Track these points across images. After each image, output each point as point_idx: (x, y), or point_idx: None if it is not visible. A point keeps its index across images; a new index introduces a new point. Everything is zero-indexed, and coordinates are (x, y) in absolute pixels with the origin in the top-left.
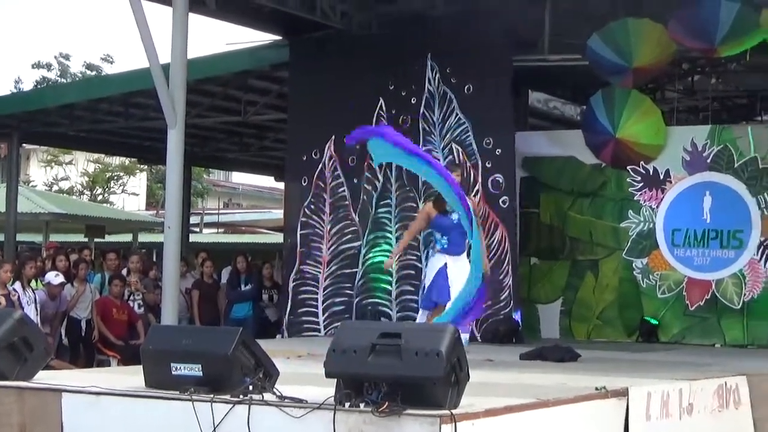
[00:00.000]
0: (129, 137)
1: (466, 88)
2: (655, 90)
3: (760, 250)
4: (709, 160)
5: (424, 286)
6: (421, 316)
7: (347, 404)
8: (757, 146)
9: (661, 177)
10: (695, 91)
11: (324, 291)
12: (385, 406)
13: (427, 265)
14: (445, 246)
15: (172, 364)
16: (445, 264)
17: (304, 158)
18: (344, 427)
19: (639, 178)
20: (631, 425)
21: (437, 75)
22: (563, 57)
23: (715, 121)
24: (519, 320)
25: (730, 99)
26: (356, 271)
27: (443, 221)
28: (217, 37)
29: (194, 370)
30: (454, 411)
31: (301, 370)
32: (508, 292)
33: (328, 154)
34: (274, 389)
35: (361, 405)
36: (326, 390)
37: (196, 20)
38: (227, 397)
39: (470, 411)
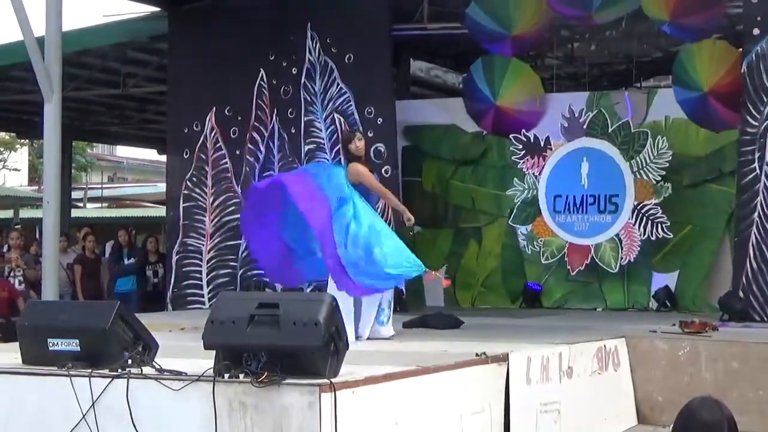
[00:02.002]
0: (7, 111)
1: (346, 57)
2: (535, 57)
3: (635, 214)
4: (585, 126)
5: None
6: None
7: (226, 375)
8: (635, 112)
9: (542, 144)
10: (575, 58)
11: (208, 263)
12: (264, 376)
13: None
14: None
15: (49, 340)
16: None
17: (185, 131)
18: (224, 398)
19: (521, 146)
20: (512, 390)
21: (318, 45)
22: (443, 26)
23: (595, 88)
24: (403, 288)
25: (609, 66)
26: (240, 243)
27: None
28: (95, 10)
29: (72, 345)
30: (333, 380)
31: (183, 343)
32: None
33: (210, 126)
34: (154, 362)
35: (241, 376)
36: (206, 362)
37: None
38: (105, 371)
39: (350, 379)
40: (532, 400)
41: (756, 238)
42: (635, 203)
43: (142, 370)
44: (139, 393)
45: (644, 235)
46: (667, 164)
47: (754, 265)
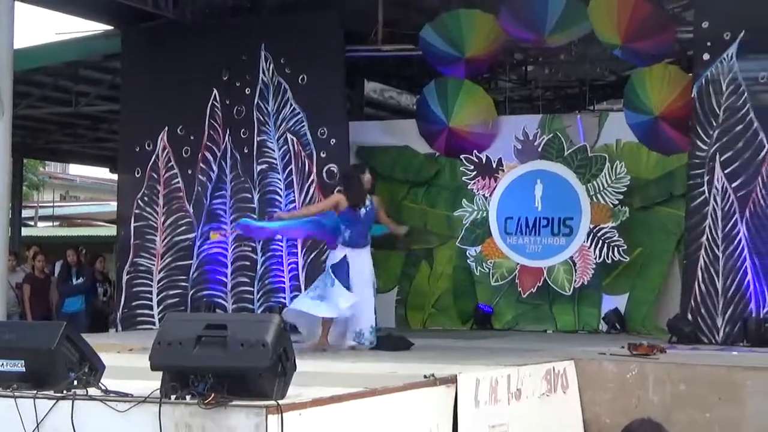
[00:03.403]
0: None
1: (300, 78)
2: (489, 80)
3: (590, 238)
4: (540, 149)
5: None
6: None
7: (173, 397)
8: (587, 135)
9: (494, 166)
10: (528, 80)
11: (158, 283)
12: (211, 397)
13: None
14: (347, 239)
15: None
16: (345, 255)
17: (137, 149)
18: (170, 419)
19: (472, 167)
20: (460, 411)
21: (271, 65)
22: (397, 47)
23: (549, 111)
24: None
25: (562, 88)
26: (191, 263)
27: (350, 215)
28: (48, 27)
29: (17, 365)
30: (280, 401)
31: (131, 363)
32: None
33: (162, 145)
34: (100, 384)
35: (188, 397)
36: (154, 383)
37: (24, 9)
38: (51, 392)
39: (297, 401)
40: (481, 422)
41: (704, 261)
42: (591, 226)
43: (87, 392)
44: (84, 414)
45: (599, 258)
46: (625, 188)
47: (703, 288)
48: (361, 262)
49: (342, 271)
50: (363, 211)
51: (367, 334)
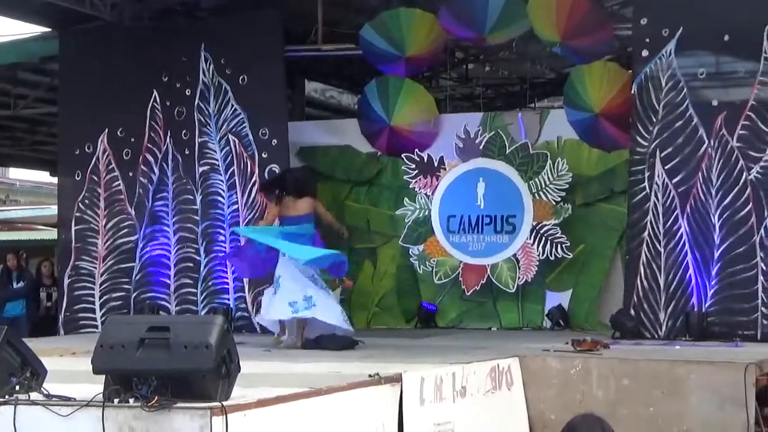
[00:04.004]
0: None
1: (240, 79)
2: (430, 78)
3: (533, 235)
4: (481, 147)
5: None
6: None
7: (116, 400)
8: (528, 132)
9: (436, 164)
10: (470, 79)
11: (101, 286)
12: (154, 400)
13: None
14: None
15: None
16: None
17: (77, 152)
18: (114, 423)
19: (414, 166)
20: (405, 410)
21: (211, 66)
22: (337, 47)
23: (490, 109)
24: None
25: (503, 86)
26: (133, 266)
27: None
28: None
29: None
30: (224, 403)
31: (73, 367)
32: None
33: (102, 147)
34: (42, 388)
35: (131, 400)
36: (97, 387)
37: None
38: None
39: (241, 402)
40: (426, 421)
41: (646, 256)
42: (534, 223)
43: (29, 396)
44: (26, 419)
45: (543, 255)
46: (567, 185)
47: (645, 283)
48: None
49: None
50: None
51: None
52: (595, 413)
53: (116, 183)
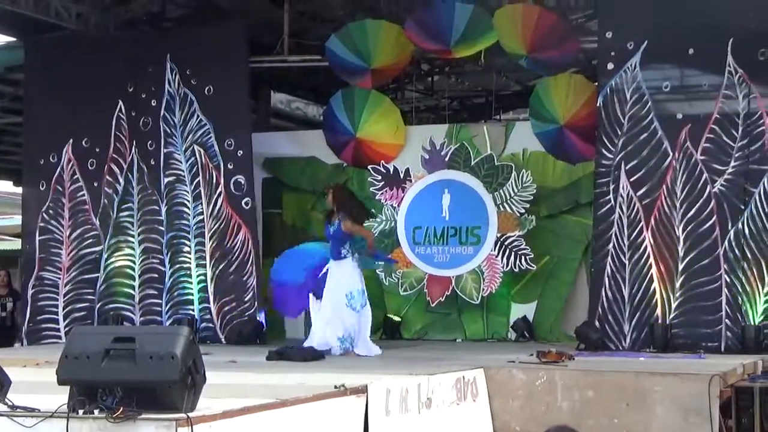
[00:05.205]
0: None
1: (206, 89)
2: (396, 90)
3: (497, 246)
4: (447, 159)
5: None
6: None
7: (81, 411)
8: (493, 144)
9: (402, 176)
10: (435, 91)
11: (65, 297)
12: (119, 411)
13: None
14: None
15: None
16: (327, 267)
17: (42, 162)
18: None
19: (380, 177)
20: (371, 421)
21: (177, 77)
22: (303, 58)
23: (456, 120)
24: (263, 321)
25: (468, 98)
26: (98, 276)
27: (326, 230)
28: None
29: None
30: (190, 414)
31: (37, 378)
32: (252, 293)
33: (66, 157)
34: (6, 399)
35: (96, 411)
36: (62, 398)
37: None
38: None
39: (207, 413)
40: None
41: (611, 268)
42: (498, 235)
43: None
44: None
45: (507, 266)
46: (532, 197)
47: (609, 295)
48: (334, 274)
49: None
50: (330, 228)
51: (336, 345)
52: (568, 425)
53: (81, 193)
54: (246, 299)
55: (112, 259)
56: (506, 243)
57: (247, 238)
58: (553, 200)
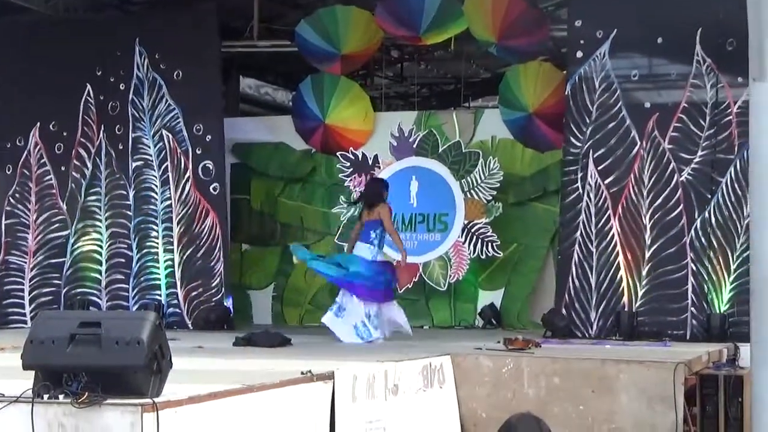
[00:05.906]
0: None
1: (175, 74)
2: (365, 76)
3: (464, 233)
4: (415, 145)
5: None
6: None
7: (45, 396)
8: (462, 131)
9: (370, 162)
10: (405, 77)
11: (30, 281)
12: (84, 396)
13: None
14: None
15: None
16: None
17: (8, 146)
18: (43, 419)
19: (348, 164)
20: (337, 407)
21: (146, 61)
22: (272, 43)
23: (425, 107)
24: (230, 307)
25: (438, 85)
26: (64, 261)
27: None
28: None
29: None
30: (156, 399)
31: (2, 363)
32: (219, 278)
33: (33, 141)
34: None
35: (61, 396)
36: (26, 383)
37: None
38: None
39: (173, 399)
40: (358, 418)
41: (578, 256)
42: (465, 222)
43: None
44: None
45: (474, 253)
46: (498, 184)
47: (576, 282)
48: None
49: None
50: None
51: (361, 327)
52: (530, 412)
53: (48, 177)
54: (213, 285)
55: (79, 244)
56: (473, 230)
57: (215, 223)
58: (522, 188)
